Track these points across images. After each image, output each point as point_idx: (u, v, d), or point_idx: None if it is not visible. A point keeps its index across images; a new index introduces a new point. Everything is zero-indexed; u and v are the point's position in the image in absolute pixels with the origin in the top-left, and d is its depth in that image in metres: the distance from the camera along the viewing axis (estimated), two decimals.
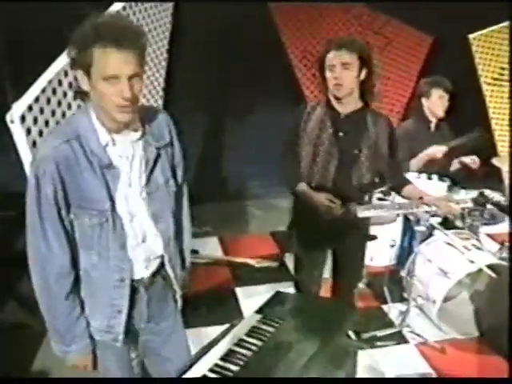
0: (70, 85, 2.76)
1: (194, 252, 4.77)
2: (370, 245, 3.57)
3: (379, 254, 3.69)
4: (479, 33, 5.29)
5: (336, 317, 2.10)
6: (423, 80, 4.04)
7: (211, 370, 1.87)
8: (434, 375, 3.33)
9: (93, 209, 1.83)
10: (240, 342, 2.02)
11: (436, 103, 3.80)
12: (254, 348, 1.98)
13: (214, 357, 1.94)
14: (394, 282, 4.03)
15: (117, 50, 1.64)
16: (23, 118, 2.39)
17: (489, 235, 4.82)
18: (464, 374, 3.30)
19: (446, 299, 3.75)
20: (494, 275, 3.44)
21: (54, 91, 2.71)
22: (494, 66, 5.41)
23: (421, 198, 2.81)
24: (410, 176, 3.43)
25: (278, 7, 4.89)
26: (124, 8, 3.59)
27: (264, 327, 2.11)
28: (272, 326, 2.11)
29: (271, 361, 1.90)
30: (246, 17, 4.72)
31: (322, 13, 5.00)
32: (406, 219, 3.70)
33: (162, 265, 2.05)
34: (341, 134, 2.72)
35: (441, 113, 3.83)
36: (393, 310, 3.92)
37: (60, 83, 2.75)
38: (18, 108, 2.37)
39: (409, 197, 2.89)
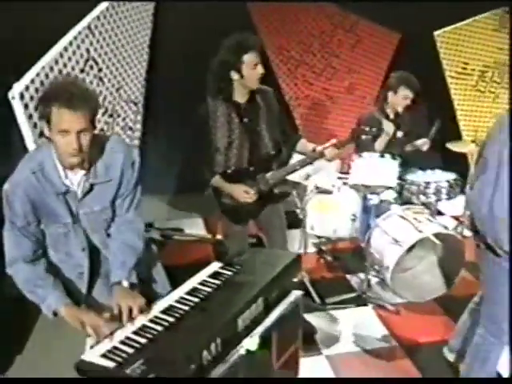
0: (60, 71, 3.29)
1: (180, 230, 5.22)
2: (333, 219, 4.06)
3: (341, 227, 4.09)
4: (443, 30, 5.72)
5: (282, 262, 2.52)
6: (394, 75, 4.38)
7: (178, 302, 2.30)
8: (388, 334, 3.75)
9: (58, 222, 2.40)
10: (203, 282, 2.45)
11: (399, 101, 4.21)
12: (214, 286, 2.41)
13: (181, 291, 2.37)
14: (357, 255, 4.47)
15: (68, 110, 2.12)
16: (22, 96, 3.03)
17: (453, 216, 5.30)
18: (415, 333, 3.73)
19: (405, 270, 4.19)
20: (438, 242, 3.88)
21: (47, 75, 3.40)
22: (458, 61, 5.85)
23: (313, 149, 3.32)
24: (365, 155, 3.88)
25: (256, 7, 5.28)
26: (107, 8, 4.04)
27: (223, 271, 2.54)
28: (230, 270, 2.54)
29: (227, 295, 2.33)
30: (225, 17, 5.10)
31: (296, 12, 5.39)
32: (365, 198, 4.13)
33: None
34: (245, 119, 3.22)
35: (400, 109, 4.23)
36: (355, 278, 4.35)
37: (51, 69, 3.44)
38: (18, 87, 3.04)
39: (303, 151, 3.41)
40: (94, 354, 1.98)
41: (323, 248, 4.83)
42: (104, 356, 1.96)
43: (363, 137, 3.41)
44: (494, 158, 2.48)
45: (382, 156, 3.88)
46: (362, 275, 4.23)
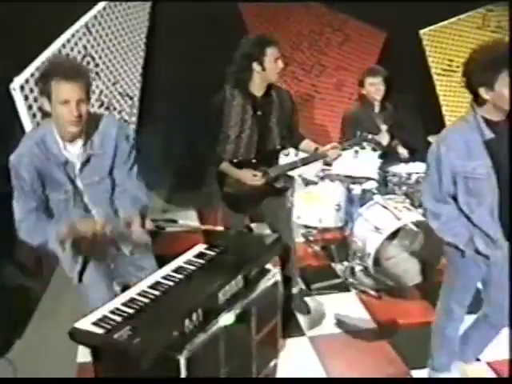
0: None
1: (173, 221, 5.38)
2: (318, 209, 4.25)
3: (326, 216, 4.27)
4: (429, 28, 5.91)
5: (262, 243, 2.73)
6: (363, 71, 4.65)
7: (164, 278, 2.50)
8: (369, 317, 3.94)
9: (59, 190, 2.63)
10: (188, 261, 2.66)
11: (369, 89, 4.44)
12: (198, 265, 2.62)
13: (168, 269, 2.58)
14: (343, 244, 4.66)
15: (66, 81, 2.39)
16: (22, 88, 3.39)
17: None
18: (395, 316, 3.91)
19: (388, 258, 4.39)
20: (416, 229, 4.07)
21: None
22: (443, 59, 6.04)
23: (316, 149, 3.56)
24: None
25: (247, 6, 5.48)
26: (104, 8, 4.26)
27: (207, 252, 2.74)
28: (213, 251, 2.75)
29: (209, 272, 2.54)
30: (218, 16, 5.30)
31: (286, 12, 5.59)
32: (348, 188, 4.32)
33: None
34: (259, 112, 3.41)
35: (377, 97, 4.45)
36: (339, 266, 4.55)
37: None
38: (18, 80, 3.42)
39: (306, 150, 3.64)
40: (86, 322, 2.18)
41: (311, 238, 5.01)
42: (95, 324, 2.16)
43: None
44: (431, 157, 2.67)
45: (363, 148, 4.06)
46: (346, 263, 4.42)
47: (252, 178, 3.40)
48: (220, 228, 4.54)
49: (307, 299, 4.07)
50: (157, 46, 5.34)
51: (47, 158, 2.55)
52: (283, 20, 5.60)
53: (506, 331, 3.05)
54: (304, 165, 3.60)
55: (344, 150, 3.65)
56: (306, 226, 4.74)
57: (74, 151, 2.61)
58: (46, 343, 3.51)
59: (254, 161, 3.46)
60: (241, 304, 2.48)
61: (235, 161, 3.43)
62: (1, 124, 3.51)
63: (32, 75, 3.46)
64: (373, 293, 4.18)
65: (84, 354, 3.15)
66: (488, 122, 2.54)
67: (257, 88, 3.38)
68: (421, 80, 5.84)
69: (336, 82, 5.90)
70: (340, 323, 3.85)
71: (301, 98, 5.83)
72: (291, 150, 3.81)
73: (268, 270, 2.75)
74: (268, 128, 3.45)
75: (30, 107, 3.42)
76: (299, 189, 4.32)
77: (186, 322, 2.18)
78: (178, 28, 5.22)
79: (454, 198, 2.65)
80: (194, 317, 2.22)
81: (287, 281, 3.80)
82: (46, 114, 2.59)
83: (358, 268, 4.38)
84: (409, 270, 4.30)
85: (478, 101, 2.55)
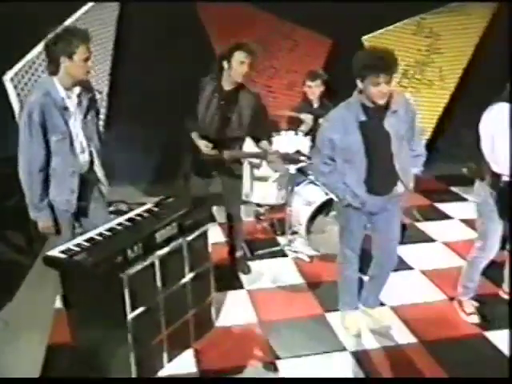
0: (39, 64, 4.69)
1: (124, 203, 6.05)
2: (262, 188, 5.02)
3: (269, 194, 5.04)
4: (370, 35, 6.69)
5: (194, 203, 3.54)
6: None
7: (117, 224, 3.29)
8: (299, 275, 4.72)
9: (58, 131, 3.34)
10: (138, 214, 3.46)
11: (306, 90, 5.33)
12: (144, 216, 3.41)
13: (121, 219, 3.37)
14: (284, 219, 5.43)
15: (87, 44, 3.27)
16: (12, 79, 4.50)
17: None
18: (321, 274, 4.68)
19: (323, 231, 5.15)
20: None
21: (30, 67, 4.74)
22: None
23: (264, 151, 4.38)
24: (283, 133, 4.86)
25: (205, 15, 6.20)
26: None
27: (153, 208, 3.54)
28: (157, 207, 3.55)
29: (152, 221, 3.33)
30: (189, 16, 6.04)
31: (240, 19, 6.24)
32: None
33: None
34: (222, 102, 4.16)
35: (312, 97, 5.29)
36: (282, 238, 5.33)
37: (34, 62, 4.78)
38: (10, 73, 4.54)
39: (262, 147, 4.45)
40: (54, 251, 2.96)
41: (262, 217, 5.79)
42: (61, 252, 2.95)
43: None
44: None
45: (296, 134, 4.88)
46: (289, 236, 5.21)
47: (205, 146, 4.12)
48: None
49: (250, 263, 4.86)
50: (125, 45, 6.10)
51: (54, 104, 3.27)
52: (237, 26, 6.24)
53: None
54: (249, 157, 4.51)
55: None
56: (257, 205, 5.49)
57: (73, 96, 3.39)
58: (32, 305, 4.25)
59: (214, 140, 4.18)
60: (174, 244, 3.28)
61: (202, 135, 4.17)
62: None
63: (20, 70, 4.61)
64: (306, 258, 4.95)
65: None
66: (364, 107, 3.33)
67: (226, 83, 4.13)
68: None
69: (287, 83, 6.68)
70: (274, 280, 4.62)
71: None
72: (250, 142, 4.58)
73: (201, 224, 3.54)
74: (228, 118, 4.17)
75: (18, 95, 4.55)
76: (246, 171, 5.09)
77: (129, 251, 2.97)
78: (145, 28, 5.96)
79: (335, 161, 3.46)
80: (135, 248, 3.01)
81: (233, 245, 4.68)
82: (52, 73, 3.32)
83: (294, 237, 5.15)
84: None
85: (359, 90, 3.34)
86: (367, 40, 6.68)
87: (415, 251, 5.08)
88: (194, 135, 4.20)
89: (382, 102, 3.26)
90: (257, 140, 4.54)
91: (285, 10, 6.28)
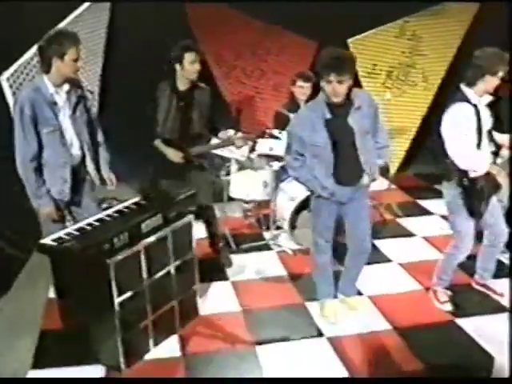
0: (34, 66, 4.98)
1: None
2: (247, 184, 5.21)
3: (254, 191, 5.22)
4: (355, 38, 6.93)
5: (180, 195, 3.75)
6: None
7: (106, 216, 3.50)
8: (282, 267, 4.93)
9: (48, 124, 3.58)
10: (126, 206, 3.67)
11: (297, 90, 5.43)
12: (132, 208, 3.62)
13: (110, 211, 3.57)
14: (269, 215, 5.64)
15: (77, 47, 3.51)
16: (8, 79, 4.83)
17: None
18: (302, 267, 4.84)
19: (305, 226, 5.33)
20: None
21: (25, 67, 5.06)
22: (368, 63, 7.05)
23: (229, 138, 4.56)
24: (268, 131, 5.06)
25: (194, 20, 6.42)
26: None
27: (141, 201, 3.75)
28: (145, 200, 3.75)
29: (138, 212, 3.53)
30: (172, 19, 6.19)
31: (229, 24, 6.53)
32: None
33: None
34: (181, 103, 4.37)
35: (303, 97, 5.38)
36: (267, 232, 5.54)
37: (29, 63, 5.08)
38: (6, 73, 4.84)
39: (222, 138, 4.60)
40: (47, 240, 3.18)
41: (249, 213, 6.00)
42: (53, 240, 3.16)
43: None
44: None
45: (280, 132, 5.06)
46: (274, 231, 5.43)
47: (174, 155, 4.35)
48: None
49: (236, 256, 5.07)
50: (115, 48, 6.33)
51: (44, 99, 3.52)
52: (226, 30, 6.55)
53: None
54: (216, 148, 4.66)
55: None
56: (244, 202, 5.70)
57: (62, 93, 3.63)
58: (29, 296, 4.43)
59: (178, 141, 4.39)
60: (159, 234, 3.48)
61: (165, 139, 4.39)
62: None
63: (15, 71, 4.93)
64: (290, 251, 5.16)
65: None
66: (329, 105, 3.54)
67: (181, 84, 4.36)
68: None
69: (274, 85, 6.90)
70: (258, 272, 4.83)
71: (244, 98, 6.82)
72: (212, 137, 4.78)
73: (185, 215, 3.75)
74: (189, 117, 4.39)
75: (14, 93, 4.86)
76: (233, 168, 5.30)
77: (115, 240, 3.18)
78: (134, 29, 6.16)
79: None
80: (122, 237, 3.21)
81: (213, 236, 4.87)
82: (45, 71, 3.55)
83: (279, 232, 5.37)
84: None
85: (320, 88, 3.53)
86: (352, 42, 6.90)
87: (394, 245, 5.29)
88: (158, 142, 4.40)
89: (336, 100, 3.47)
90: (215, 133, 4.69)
91: (273, 13, 6.48)
